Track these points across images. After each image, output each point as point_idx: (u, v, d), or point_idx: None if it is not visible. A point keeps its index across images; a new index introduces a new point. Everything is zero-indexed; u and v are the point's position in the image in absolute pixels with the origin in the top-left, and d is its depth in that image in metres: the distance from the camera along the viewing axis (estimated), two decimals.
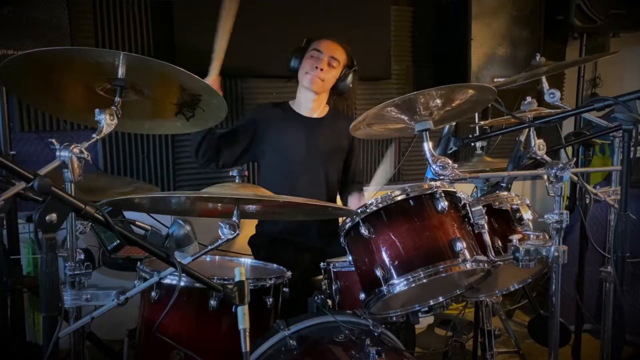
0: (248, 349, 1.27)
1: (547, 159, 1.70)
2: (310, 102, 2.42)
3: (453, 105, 1.54)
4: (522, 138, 1.84)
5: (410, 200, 1.54)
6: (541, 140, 1.71)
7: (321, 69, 2.31)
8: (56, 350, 1.14)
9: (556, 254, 1.48)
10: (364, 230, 1.53)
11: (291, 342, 1.52)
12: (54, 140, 1.28)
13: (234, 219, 1.35)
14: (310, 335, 1.58)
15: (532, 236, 1.52)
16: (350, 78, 2.41)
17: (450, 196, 1.58)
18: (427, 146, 1.51)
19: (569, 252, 1.51)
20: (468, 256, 1.48)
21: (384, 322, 1.68)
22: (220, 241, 1.34)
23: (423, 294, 1.63)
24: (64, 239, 1.35)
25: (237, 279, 1.32)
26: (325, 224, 2.39)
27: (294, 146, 2.39)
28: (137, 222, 1.92)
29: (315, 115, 2.45)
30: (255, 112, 2.50)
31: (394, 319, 1.69)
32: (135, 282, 1.65)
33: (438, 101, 1.48)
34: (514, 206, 1.70)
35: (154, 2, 2.75)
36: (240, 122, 2.51)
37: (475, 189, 2.17)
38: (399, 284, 1.46)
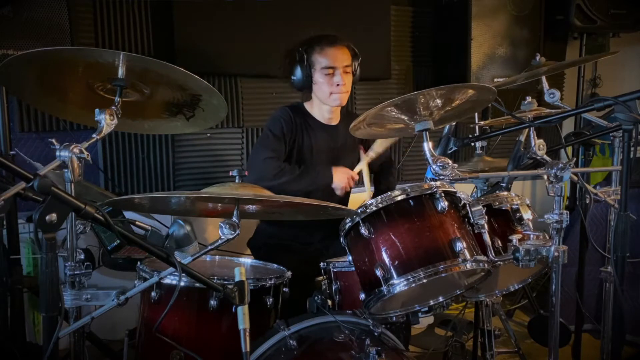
0: (248, 349, 1.27)
1: (547, 159, 1.70)
2: (329, 113, 2.36)
3: (453, 105, 1.54)
4: (522, 138, 1.84)
5: (410, 200, 1.54)
6: (541, 140, 1.71)
7: (343, 84, 2.24)
8: (56, 350, 1.14)
9: (556, 254, 1.48)
10: (364, 230, 1.53)
11: (291, 342, 1.52)
12: (54, 140, 1.29)
13: (234, 219, 1.35)
14: (310, 335, 1.58)
15: (532, 236, 1.52)
16: (358, 70, 2.34)
17: (450, 196, 1.58)
18: (427, 146, 1.51)
19: (569, 252, 1.51)
20: (468, 256, 1.48)
21: (384, 322, 1.68)
22: (220, 241, 1.34)
23: (423, 294, 1.63)
24: (64, 239, 1.35)
25: (237, 279, 1.32)
26: (325, 224, 2.38)
27: (317, 154, 2.35)
28: (137, 222, 1.92)
29: (333, 123, 2.40)
30: (282, 118, 2.32)
31: (394, 319, 1.69)
32: (135, 282, 1.65)
33: (438, 101, 1.48)
34: (514, 206, 1.70)
35: (154, 2, 2.75)
36: (276, 131, 2.29)
37: (475, 189, 2.17)
38: (399, 284, 1.46)
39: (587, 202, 1.96)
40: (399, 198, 1.54)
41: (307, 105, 2.40)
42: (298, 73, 2.27)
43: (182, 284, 1.56)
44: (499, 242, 1.65)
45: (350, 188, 2.36)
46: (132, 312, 1.71)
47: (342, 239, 1.66)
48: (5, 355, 2.01)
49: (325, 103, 2.32)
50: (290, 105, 2.40)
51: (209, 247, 1.36)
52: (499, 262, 1.56)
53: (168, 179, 2.89)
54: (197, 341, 1.62)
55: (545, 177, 1.52)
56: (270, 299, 1.70)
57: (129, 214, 1.97)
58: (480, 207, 1.54)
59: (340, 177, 2.27)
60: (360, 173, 2.39)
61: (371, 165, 2.44)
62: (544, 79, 2.04)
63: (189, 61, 2.62)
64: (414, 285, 1.45)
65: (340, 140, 2.41)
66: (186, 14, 2.71)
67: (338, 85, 2.24)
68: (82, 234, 1.47)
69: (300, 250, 2.34)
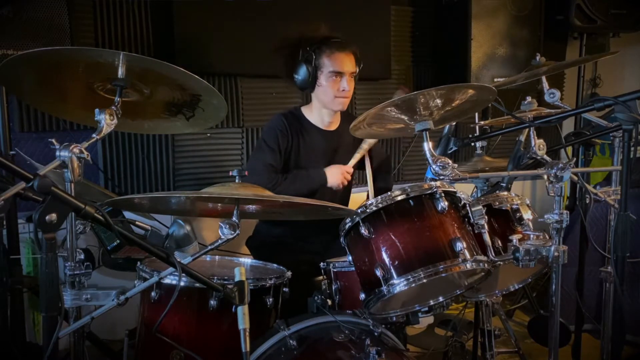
0: (248, 349, 1.27)
1: (547, 159, 1.69)
2: (330, 117, 2.35)
3: (453, 105, 1.55)
4: (522, 138, 1.84)
5: (410, 200, 1.55)
6: (541, 140, 1.71)
7: (348, 90, 2.24)
8: (56, 350, 1.14)
9: (556, 254, 1.48)
10: (363, 231, 1.53)
11: (291, 342, 1.52)
12: (54, 140, 1.29)
13: (234, 218, 1.35)
14: (310, 335, 1.58)
15: (532, 236, 1.52)
16: (357, 76, 2.33)
17: (450, 196, 1.58)
18: (427, 146, 1.51)
19: (569, 252, 1.51)
20: (468, 256, 1.48)
21: (384, 322, 1.68)
22: (220, 241, 1.34)
23: (423, 294, 1.63)
24: (64, 239, 1.35)
25: (237, 279, 1.32)
26: (325, 224, 2.38)
27: (315, 160, 2.34)
28: (137, 222, 1.92)
29: (332, 129, 2.39)
30: (277, 128, 2.29)
31: (394, 319, 1.69)
32: (135, 282, 1.65)
33: (438, 101, 1.49)
34: (514, 206, 1.70)
35: (154, 2, 2.75)
36: (270, 143, 2.28)
37: (475, 189, 2.17)
38: (399, 284, 1.46)
39: (587, 202, 1.97)
40: (399, 198, 1.54)
41: (306, 110, 2.38)
42: (303, 72, 2.23)
43: (182, 284, 1.56)
44: (499, 242, 1.65)
45: (349, 182, 2.36)
46: (132, 312, 1.71)
47: (342, 239, 1.66)
48: (5, 355, 2.01)
49: (327, 107, 2.30)
50: (286, 112, 2.37)
51: (209, 247, 1.36)
52: (499, 262, 1.56)
53: (168, 178, 2.89)
54: (197, 341, 1.62)
55: (545, 177, 1.52)
56: (270, 299, 1.70)
57: (129, 214, 1.97)
58: (480, 207, 1.54)
59: (333, 176, 2.27)
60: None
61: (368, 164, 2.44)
62: (544, 79, 2.04)
63: (189, 61, 2.62)
64: (414, 285, 1.46)
65: (339, 145, 2.40)
66: (186, 14, 2.71)
67: (343, 90, 2.23)
68: (82, 234, 1.47)
69: (300, 250, 2.33)
